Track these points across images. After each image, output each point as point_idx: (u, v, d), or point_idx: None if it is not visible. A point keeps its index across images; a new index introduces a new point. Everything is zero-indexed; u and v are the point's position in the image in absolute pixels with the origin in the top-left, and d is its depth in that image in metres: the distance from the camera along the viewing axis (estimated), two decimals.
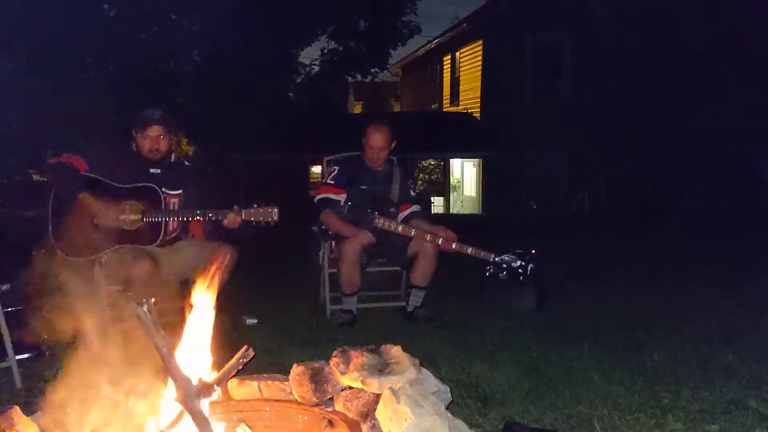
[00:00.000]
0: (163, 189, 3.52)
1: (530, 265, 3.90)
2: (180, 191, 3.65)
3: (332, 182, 4.15)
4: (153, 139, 3.51)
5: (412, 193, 4.35)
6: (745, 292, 4.80)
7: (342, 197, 4.12)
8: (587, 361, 3.22)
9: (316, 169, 16.59)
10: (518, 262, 3.91)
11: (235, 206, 3.49)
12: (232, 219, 3.47)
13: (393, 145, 4.21)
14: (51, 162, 3.50)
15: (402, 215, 4.24)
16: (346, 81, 19.84)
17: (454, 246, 3.96)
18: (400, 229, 4.02)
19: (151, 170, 3.57)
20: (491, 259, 3.92)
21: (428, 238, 4.00)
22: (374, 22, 16.96)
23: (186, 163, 3.88)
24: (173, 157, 3.76)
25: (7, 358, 2.95)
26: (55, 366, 3.04)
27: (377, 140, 4.13)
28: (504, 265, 3.91)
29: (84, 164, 3.45)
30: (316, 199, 4.18)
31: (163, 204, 3.49)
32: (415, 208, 4.32)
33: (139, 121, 3.53)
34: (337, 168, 4.20)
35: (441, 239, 3.98)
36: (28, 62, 11.30)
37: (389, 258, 4.36)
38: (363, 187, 4.16)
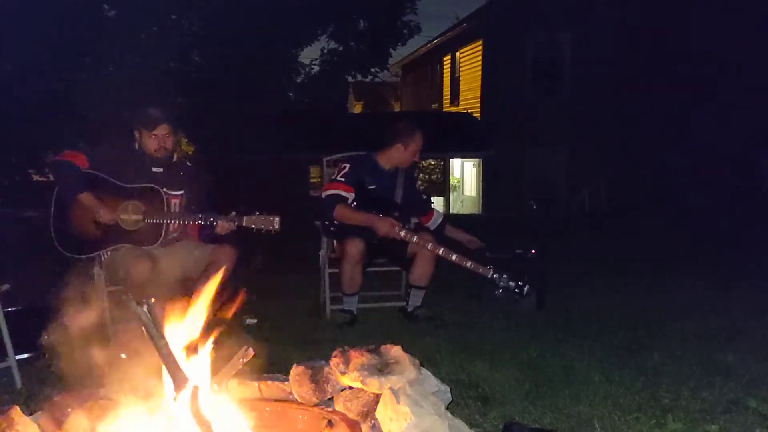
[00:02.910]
0: (165, 189, 3.52)
1: (526, 287, 3.93)
2: (182, 192, 3.65)
3: (342, 179, 4.11)
4: (160, 137, 3.53)
5: (424, 197, 4.35)
6: (745, 291, 4.80)
7: (351, 195, 4.10)
8: (587, 361, 3.23)
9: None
10: (515, 282, 3.93)
11: (233, 212, 3.49)
12: (225, 226, 3.47)
13: None
14: (52, 159, 3.51)
15: (431, 224, 4.33)
16: (346, 81, 19.81)
17: (453, 258, 3.97)
18: (402, 234, 4.03)
19: (154, 169, 3.57)
20: (489, 276, 3.94)
21: (429, 246, 4.01)
22: (374, 22, 16.93)
23: (188, 163, 3.89)
24: (175, 157, 3.76)
25: (7, 358, 2.95)
26: (55, 366, 3.04)
27: (421, 145, 4.19)
28: (501, 284, 3.93)
29: (85, 161, 3.45)
30: (324, 195, 4.14)
31: (165, 205, 3.49)
32: (439, 215, 4.41)
33: (144, 121, 3.53)
34: (348, 165, 4.16)
35: (442, 249, 3.99)
36: (28, 62, 11.31)
37: (389, 258, 4.36)
38: (371, 187, 4.15)
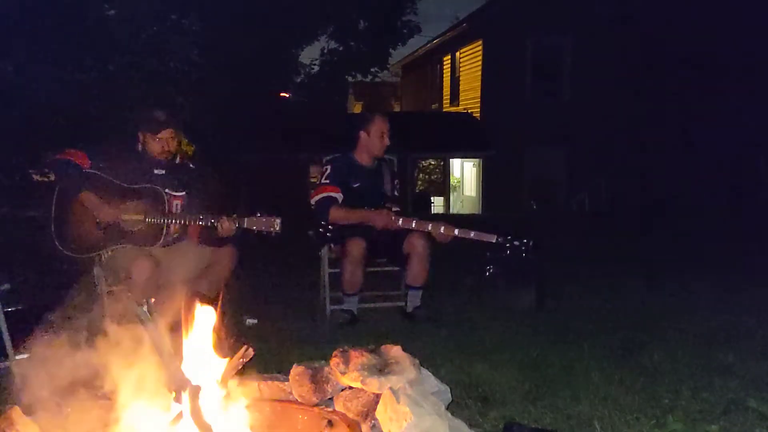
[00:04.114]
0: (167, 190, 3.52)
1: (531, 242, 3.96)
2: (183, 193, 3.65)
3: (327, 181, 4.15)
4: (164, 141, 3.53)
5: (396, 193, 4.32)
6: (745, 292, 4.80)
7: (339, 195, 4.12)
8: (587, 361, 3.23)
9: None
10: (519, 241, 3.96)
11: (235, 214, 3.49)
12: (227, 227, 3.47)
13: None
14: (54, 157, 3.50)
15: None
16: (346, 81, 19.83)
17: (456, 232, 4.00)
18: (400, 222, 4.04)
19: (156, 171, 3.57)
20: (494, 241, 3.96)
21: (429, 227, 4.03)
22: (374, 22, 16.94)
23: (191, 165, 3.88)
24: (178, 158, 3.76)
25: (7, 358, 2.95)
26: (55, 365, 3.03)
27: (385, 126, 4.18)
28: (507, 245, 3.95)
29: (87, 160, 3.45)
30: (314, 201, 4.15)
31: (166, 206, 3.49)
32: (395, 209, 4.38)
33: (149, 124, 3.53)
34: (329, 167, 4.20)
35: (443, 227, 4.02)
36: (28, 62, 11.30)
37: (388, 258, 4.36)
38: (355, 185, 4.17)
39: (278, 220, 3.45)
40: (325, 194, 4.11)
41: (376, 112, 4.34)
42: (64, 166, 3.45)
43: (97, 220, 3.42)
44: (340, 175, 4.16)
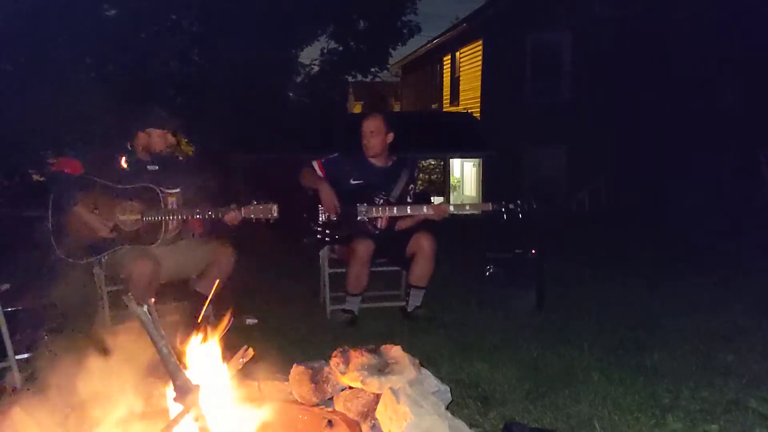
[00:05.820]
0: (161, 188, 3.52)
1: (526, 205, 4.10)
2: (178, 189, 3.65)
3: (323, 161, 4.22)
4: (156, 137, 3.54)
5: (409, 199, 4.31)
6: (745, 291, 4.80)
7: (321, 173, 4.18)
8: (587, 361, 3.23)
9: None
10: (515, 204, 4.10)
11: (233, 204, 3.50)
12: (232, 217, 3.49)
13: (390, 136, 4.23)
14: (48, 169, 3.52)
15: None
16: (346, 81, 19.85)
17: (452, 209, 4.10)
18: (389, 211, 4.06)
19: (149, 167, 3.58)
20: (490, 209, 4.07)
21: (425, 210, 4.09)
22: (374, 22, 16.96)
23: (179, 157, 3.88)
24: (171, 154, 3.76)
25: (7, 358, 2.95)
26: (55, 365, 3.04)
27: (367, 125, 4.21)
28: (502, 210, 4.08)
29: (79, 167, 3.46)
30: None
31: (162, 204, 3.49)
32: None
33: (141, 121, 3.54)
34: (337, 153, 4.27)
35: (436, 207, 4.11)
36: (28, 62, 11.31)
37: (389, 258, 4.36)
38: (355, 182, 4.18)
39: (275, 207, 3.48)
40: (314, 162, 4.22)
41: (366, 114, 4.40)
42: (56, 181, 3.47)
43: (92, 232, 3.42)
44: (340, 165, 4.21)
